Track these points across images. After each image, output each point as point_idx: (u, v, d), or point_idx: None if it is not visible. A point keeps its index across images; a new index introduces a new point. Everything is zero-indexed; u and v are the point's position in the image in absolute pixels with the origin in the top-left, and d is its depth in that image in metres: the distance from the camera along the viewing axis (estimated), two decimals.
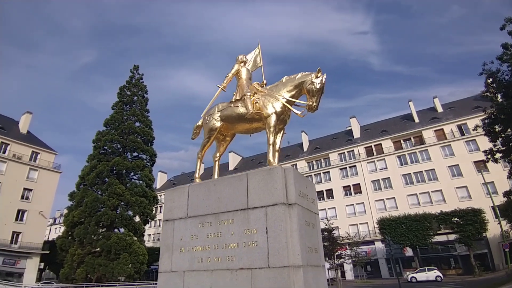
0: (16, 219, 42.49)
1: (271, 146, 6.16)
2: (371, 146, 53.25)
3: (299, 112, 6.45)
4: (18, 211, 42.87)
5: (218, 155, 7.44)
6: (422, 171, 47.24)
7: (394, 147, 51.57)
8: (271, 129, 6.18)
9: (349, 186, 51.41)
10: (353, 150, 54.03)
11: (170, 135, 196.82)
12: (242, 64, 7.76)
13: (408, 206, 45.43)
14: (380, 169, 50.37)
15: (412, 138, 51.20)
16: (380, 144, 52.75)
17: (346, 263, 40.57)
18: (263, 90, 6.90)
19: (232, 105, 6.94)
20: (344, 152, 54.76)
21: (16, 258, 40.87)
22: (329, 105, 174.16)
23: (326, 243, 39.24)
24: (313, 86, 6.12)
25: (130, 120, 40.03)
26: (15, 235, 41.86)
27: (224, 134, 7.40)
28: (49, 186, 46.25)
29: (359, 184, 50.86)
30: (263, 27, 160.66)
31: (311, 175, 55.45)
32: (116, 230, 35.03)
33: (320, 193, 53.41)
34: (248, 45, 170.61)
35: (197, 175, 7.06)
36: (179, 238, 5.79)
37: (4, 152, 43.20)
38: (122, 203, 34.14)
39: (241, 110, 6.74)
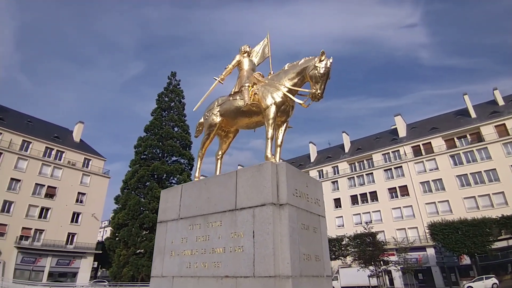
0: (72, 221, 46.32)
1: (269, 141, 5.57)
2: (418, 145, 49.24)
3: (301, 102, 5.79)
4: (73, 213, 46.71)
5: (220, 153, 7.01)
6: (481, 172, 42.41)
7: (446, 145, 47.07)
8: (270, 122, 5.60)
9: (394, 188, 47.95)
10: (398, 150, 50.42)
11: (215, 140, 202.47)
12: (245, 54, 7.30)
13: (464, 210, 41.02)
14: (430, 170, 46.26)
15: (468, 135, 46.30)
16: (430, 142, 48.50)
17: (394, 270, 37.69)
18: (264, 80, 6.34)
19: (231, 98, 6.49)
20: (389, 153, 51.33)
21: (71, 258, 44.43)
22: (373, 105, 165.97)
23: (369, 248, 37.00)
24: (316, 72, 5.45)
25: (168, 125, 41.54)
26: (70, 236, 45.63)
27: (226, 130, 6.96)
28: (100, 190, 49.85)
29: (406, 186, 47.21)
30: (303, 28, 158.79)
31: (353, 177, 52.85)
32: None
33: (363, 195, 50.72)
34: (288, 46, 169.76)
35: (196, 174, 6.67)
36: (170, 241, 5.45)
37: (60, 159, 47.53)
38: None
39: (239, 103, 6.26)
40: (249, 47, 7.47)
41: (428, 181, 45.84)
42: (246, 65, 7.02)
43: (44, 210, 44.06)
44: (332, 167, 56.47)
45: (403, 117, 55.05)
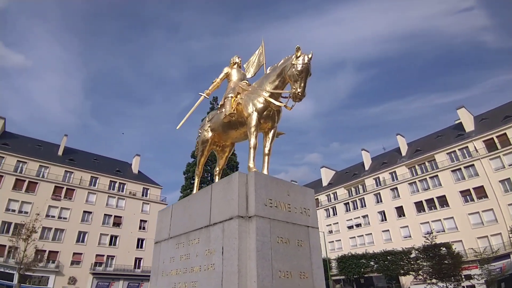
0: (137, 246, 49.83)
1: (252, 150, 5.35)
2: (491, 138, 43.27)
3: (282, 104, 5.50)
4: (138, 239, 50.25)
5: (217, 169, 6.92)
6: None
7: None
8: (252, 130, 5.38)
9: (468, 190, 42.37)
10: (466, 147, 44.87)
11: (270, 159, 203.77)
12: (235, 65, 7.25)
13: None
14: (510, 165, 40.16)
15: None
16: (505, 134, 42.32)
17: (477, 284, 32.83)
18: (248, 88, 6.18)
19: (218, 111, 6.44)
20: (455, 151, 45.96)
21: (140, 281, 47.35)
22: (436, 101, 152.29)
23: (446, 262, 32.85)
24: (294, 70, 5.15)
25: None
26: (137, 260, 48.95)
27: (221, 145, 6.89)
28: None
29: (482, 186, 41.41)
30: (347, 34, 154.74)
31: (415, 181, 48.22)
32: None
33: (429, 201, 45.77)
34: (333, 55, 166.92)
35: (194, 192, 6.62)
36: (162, 261, 5.43)
37: (122, 191, 52.13)
38: None
39: (222, 115, 6.17)
40: (238, 57, 7.42)
41: (509, 178, 39.75)
42: (234, 76, 6.96)
43: (113, 238, 48.22)
44: (389, 173, 52.35)
45: (468, 109, 49.40)
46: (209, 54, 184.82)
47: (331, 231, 57.52)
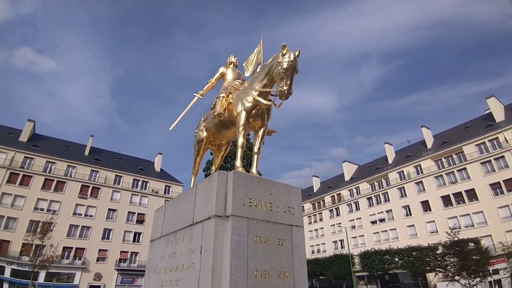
0: None
1: (239, 150, 5.43)
2: None
3: (269, 103, 5.48)
4: None
5: (213, 168, 7.04)
6: None
7: None
8: (240, 129, 5.43)
9: (498, 183, 40.15)
10: (497, 138, 42.45)
11: (293, 155, 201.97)
12: (230, 65, 7.29)
13: None
14: None
15: None
16: None
17: (503, 278, 31.26)
18: (240, 87, 6.21)
19: (212, 111, 6.50)
20: (484, 142, 43.60)
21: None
22: (466, 90, 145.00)
23: (474, 257, 31.45)
24: (280, 68, 5.13)
25: (235, 146, 43.34)
26: None
27: (217, 144, 6.97)
28: None
29: None
30: (373, 25, 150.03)
31: (442, 175, 46.27)
32: None
33: (457, 195, 43.81)
34: (359, 47, 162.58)
35: None
36: (155, 259, 5.59)
37: (145, 189, 53.80)
38: None
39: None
40: (234, 57, 7.44)
41: None
42: (229, 75, 7.00)
43: (137, 235, 49.97)
44: (414, 166, 50.52)
45: (498, 99, 46.68)
46: (232, 52, 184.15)
47: (354, 226, 56.55)
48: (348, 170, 66.21)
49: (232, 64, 7.29)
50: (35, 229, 34.35)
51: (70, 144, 53.76)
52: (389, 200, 52.34)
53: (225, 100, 6.12)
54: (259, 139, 5.69)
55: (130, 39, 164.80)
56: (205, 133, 6.65)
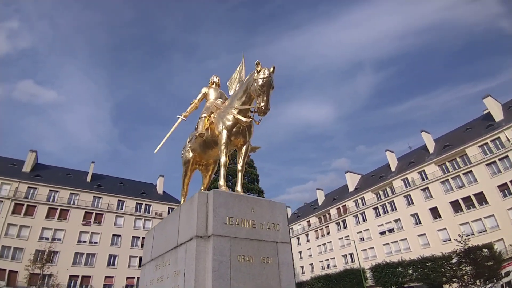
0: None
1: (222, 168, 5.47)
2: None
3: (248, 120, 5.57)
4: None
5: (202, 188, 7.04)
6: None
7: None
8: (222, 148, 5.51)
9: (505, 184, 39.55)
10: (498, 137, 42.23)
11: (297, 168, 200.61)
12: (213, 85, 7.45)
13: None
14: None
15: None
16: None
17: None
18: (221, 106, 6.34)
19: (195, 131, 6.61)
20: (487, 142, 43.30)
21: None
22: (463, 92, 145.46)
23: (488, 263, 30.58)
24: (256, 84, 5.25)
25: (233, 163, 43.31)
26: None
27: (204, 164, 7.03)
28: None
29: None
30: (361, 34, 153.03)
31: (447, 179, 45.68)
32: None
33: (466, 199, 43.04)
34: (351, 56, 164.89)
35: None
36: (145, 284, 5.56)
37: (149, 212, 53.57)
38: None
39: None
40: (216, 76, 7.62)
41: None
42: (212, 95, 7.16)
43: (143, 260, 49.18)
44: (417, 172, 49.99)
45: (494, 98, 46.71)
46: (227, 71, 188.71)
47: (363, 238, 55.47)
48: (352, 181, 65.64)
49: (214, 84, 7.47)
50: (36, 259, 34.20)
51: (72, 172, 54.02)
52: (396, 209, 51.54)
53: (207, 120, 6.25)
54: (242, 156, 5.76)
55: (128, 64, 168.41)
56: (191, 154, 6.73)
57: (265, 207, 4.83)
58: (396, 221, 51.07)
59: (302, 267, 65.39)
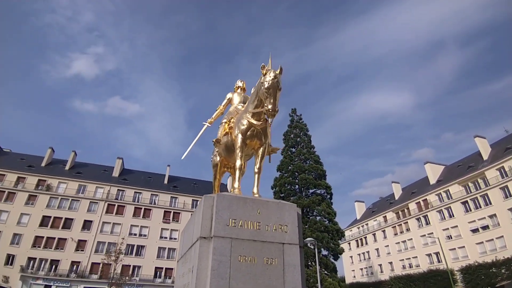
0: None
1: (237, 172, 5.77)
2: None
3: (258, 123, 5.73)
4: None
5: (231, 190, 7.38)
6: None
7: None
8: (237, 152, 5.80)
9: None
10: None
11: (373, 161, 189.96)
12: (238, 89, 7.73)
13: None
14: None
15: None
16: None
17: None
18: (240, 110, 6.61)
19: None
20: None
21: None
22: None
23: None
24: (263, 88, 5.43)
25: (299, 160, 43.23)
26: None
27: (232, 166, 7.31)
28: None
29: None
30: (439, 9, 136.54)
31: None
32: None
33: None
34: (425, 38, 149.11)
35: None
36: (178, 277, 6.17)
37: None
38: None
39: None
40: (241, 81, 7.87)
41: None
42: (235, 100, 7.44)
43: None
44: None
45: None
46: (292, 68, 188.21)
47: (450, 236, 49.86)
48: (433, 172, 59.39)
49: (239, 88, 7.71)
50: (109, 251, 39.55)
51: (152, 175, 60.58)
52: (490, 203, 45.05)
53: (227, 125, 6.56)
54: (259, 158, 5.91)
55: (197, 73, 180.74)
56: (218, 158, 7.11)
57: (272, 209, 4.96)
58: (491, 216, 44.68)
59: (380, 265, 61.93)
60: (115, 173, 56.42)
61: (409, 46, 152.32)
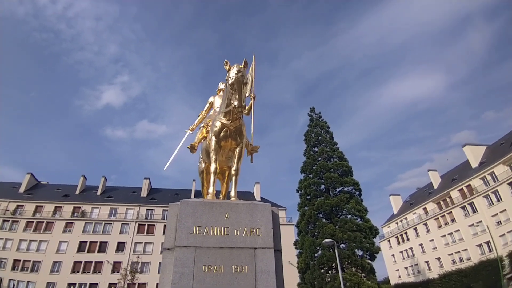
0: None
1: (211, 176, 5.53)
2: None
3: (227, 122, 5.51)
4: None
5: (220, 196, 7.15)
6: None
7: None
8: (211, 155, 5.62)
9: None
10: None
11: (407, 151, 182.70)
12: (220, 92, 7.56)
13: None
14: None
15: None
16: None
17: None
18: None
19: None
20: None
21: None
22: None
23: None
24: (228, 85, 5.27)
25: (323, 159, 42.26)
26: None
27: (220, 172, 7.13)
28: (288, 238, 54.71)
29: None
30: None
31: None
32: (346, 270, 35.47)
33: None
34: (451, 14, 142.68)
35: None
36: None
37: None
38: (336, 242, 34.84)
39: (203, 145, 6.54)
40: (223, 83, 7.67)
41: None
42: (217, 103, 7.22)
43: None
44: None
45: None
46: (313, 67, 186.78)
47: (499, 222, 46.27)
48: (474, 155, 55.78)
49: (221, 91, 7.51)
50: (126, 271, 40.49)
51: (178, 191, 61.71)
52: None
53: (205, 130, 6.39)
54: (236, 159, 5.69)
55: (217, 84, 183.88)
56: (203, 165, 6.91)
57: (242, 212, 4.67)
58: None
59: (427, 262, 58.39)
60: (143, 194, 58.12)
61: (434, 27, 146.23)
